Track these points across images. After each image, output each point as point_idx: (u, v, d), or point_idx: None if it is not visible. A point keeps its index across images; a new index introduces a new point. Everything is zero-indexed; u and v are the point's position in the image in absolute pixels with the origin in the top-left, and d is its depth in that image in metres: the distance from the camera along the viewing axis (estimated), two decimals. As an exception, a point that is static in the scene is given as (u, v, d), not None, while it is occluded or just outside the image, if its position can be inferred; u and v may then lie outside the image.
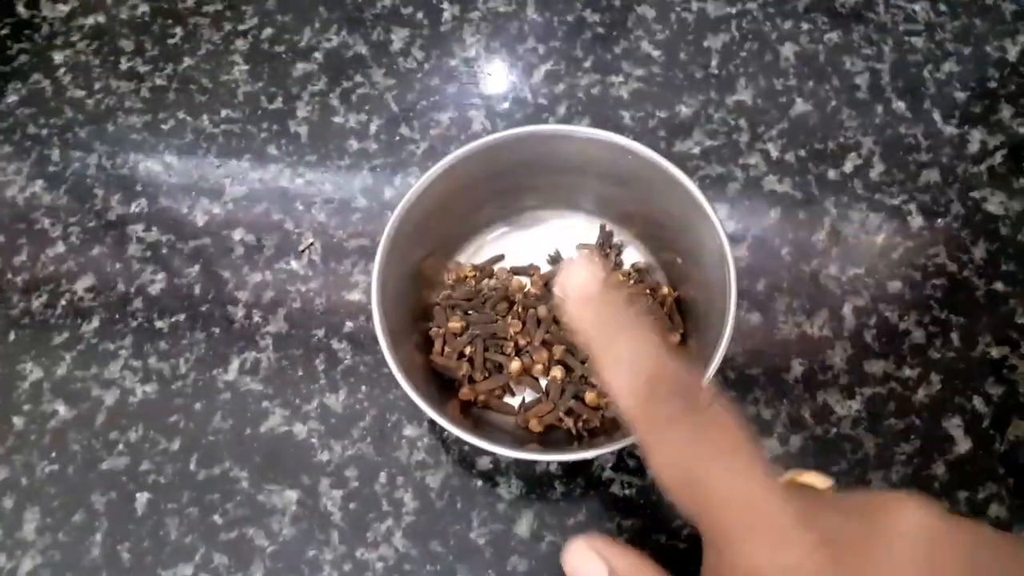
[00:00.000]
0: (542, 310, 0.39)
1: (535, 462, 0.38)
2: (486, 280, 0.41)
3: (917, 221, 0.42)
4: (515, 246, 0.42)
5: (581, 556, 0.24)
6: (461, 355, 0.39)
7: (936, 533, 0.20)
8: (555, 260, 0.41)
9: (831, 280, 0.41)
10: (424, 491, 0.38)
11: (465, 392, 0.38)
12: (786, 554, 0.19)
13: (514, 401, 0.39)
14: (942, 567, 0.19)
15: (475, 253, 0.42)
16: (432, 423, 0.39)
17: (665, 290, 0.39)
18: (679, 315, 0.39)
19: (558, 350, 0.38)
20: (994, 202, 0.43)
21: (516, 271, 0.41)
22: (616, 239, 0.41)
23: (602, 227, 0.42)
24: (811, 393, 0.39)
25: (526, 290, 0.40)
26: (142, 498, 0.38)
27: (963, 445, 0.38)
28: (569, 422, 0.37)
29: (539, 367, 0.38)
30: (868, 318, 0.40)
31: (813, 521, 0.20)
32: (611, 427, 0.36)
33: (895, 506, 0.20)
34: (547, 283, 0.40)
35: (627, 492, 0.37)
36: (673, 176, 0.36)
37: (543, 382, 0.38)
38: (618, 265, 0.41)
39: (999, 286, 0.41)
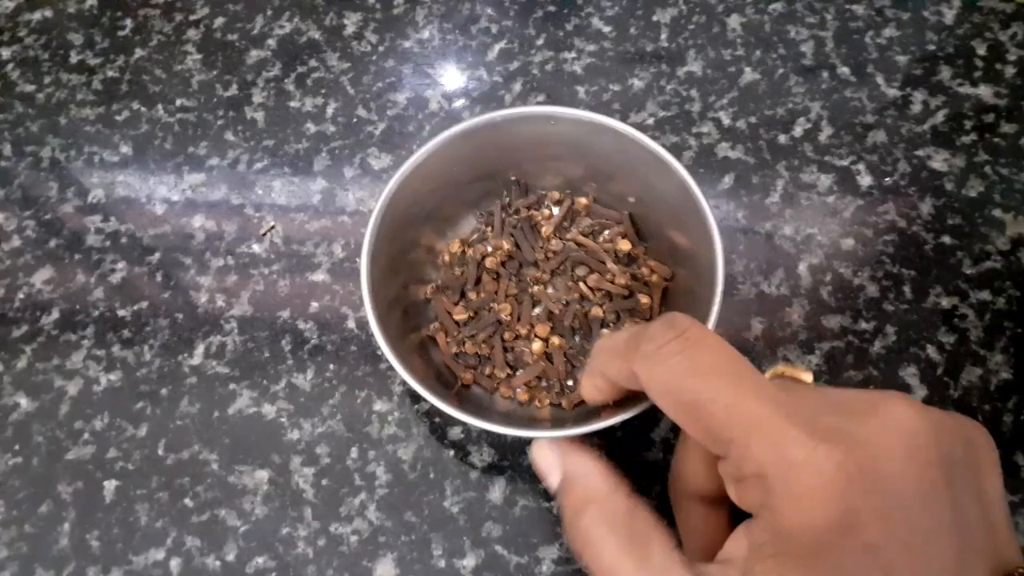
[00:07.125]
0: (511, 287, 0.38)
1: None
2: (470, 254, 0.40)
3: (866, 180, 0.44)
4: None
5: (543, 454, 0.27)
6: (461, 351, 0.38)
7: (924, 432, 0.21)
8: (514, 184, 0.41)
9: (786, 240, 0.42)
10: (396, 464, 0.38)
11: (505, 391, 0.37)
12: (791, 451, 0.20)
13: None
14: (930, 463, 0.21)
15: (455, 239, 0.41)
16: (408, 396, 0.39)
17: (583, 201, 0.40)
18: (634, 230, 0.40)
19: (543, 328, 0.38)
20: (938, 160, 0.44)
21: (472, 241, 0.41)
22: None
23: (516, 181, 0.41)
24: (772, 349, 0.40)
25: (491, 255, 0.39)
26: (110, 485, 0.38)
27: (919, 393, 0.39)
28: None
29: (538, 344, 0.38)
30: (823, 275, 0.42)
31: (813, 421, 0.21)
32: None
33: (884, 406, 0.22)
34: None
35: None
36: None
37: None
38: (541, 203, 0.41)
39: (946, 239, 0.42)
